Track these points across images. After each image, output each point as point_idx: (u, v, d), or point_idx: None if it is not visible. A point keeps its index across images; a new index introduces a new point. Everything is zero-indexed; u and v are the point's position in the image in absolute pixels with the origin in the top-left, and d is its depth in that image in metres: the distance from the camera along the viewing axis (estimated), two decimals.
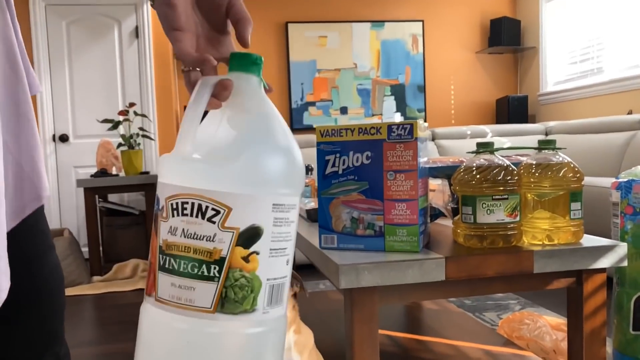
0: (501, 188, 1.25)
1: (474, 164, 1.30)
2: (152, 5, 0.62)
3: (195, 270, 0.51)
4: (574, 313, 1.32)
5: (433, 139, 4.39)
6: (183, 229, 0.51)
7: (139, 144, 3.47)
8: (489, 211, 1.25)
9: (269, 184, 0.52)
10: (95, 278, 3.30)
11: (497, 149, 1.34)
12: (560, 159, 1.31)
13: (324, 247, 1.34)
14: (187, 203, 0.51)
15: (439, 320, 1.94)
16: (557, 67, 4.85)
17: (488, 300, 2.43)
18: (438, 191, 1.62)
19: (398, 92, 5.26)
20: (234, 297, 0.51)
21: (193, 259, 0.51)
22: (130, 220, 3.59)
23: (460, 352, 1.61)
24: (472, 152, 1.34)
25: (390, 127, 1.25)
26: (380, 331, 1.79)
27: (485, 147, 1.31)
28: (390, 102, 5.28)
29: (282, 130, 0.55)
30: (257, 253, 0.52)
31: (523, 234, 1.31)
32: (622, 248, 1.26)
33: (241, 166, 0.51)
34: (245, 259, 0.52)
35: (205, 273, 0.51)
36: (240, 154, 0.51)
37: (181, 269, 0.51)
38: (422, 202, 1.28)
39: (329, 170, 1.33)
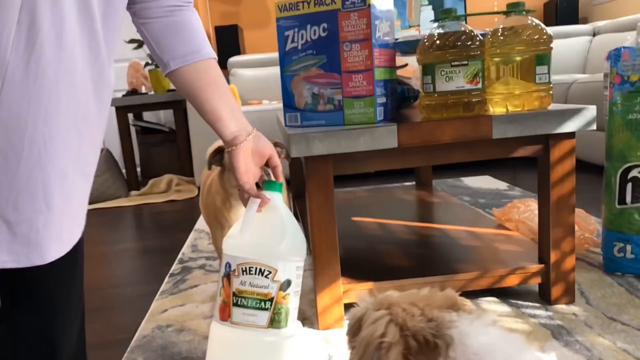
0: (460, 54, 1.21)
1: (436, 32, 1.26)
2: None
3: (257, 305, 0.95)
4: (542, 181, 1.29)
5: None
6: (249, 282, 0.95)
7: None
8: (447, 78, 1.22)
9: (294, 257, 0.98)
10: (133, 192, 3.50)
11: (462, 16, 1.28)
12: (529, 21, 1.24)
13: (288, 125, 1.36)
14: (252, 267, 0.95)
15: (437, 210, 1.94)
16: None
17: (503, 199, 2.39)
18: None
19: (436, 1, 5.01)
20: (278, 319, 0.96)
21: (256, 299, 0.95)
22: (163, 137, 3.73)
23: (445, 233, 1.62)
24: (434, 20, 1.29)
25: None
26: (376, 220, 1.82)
27: (446, 14, 1.26)
28: (428, 12, 5.05)
29: (295, 225, 1.01)
30: (289, 294, 0.96)
31: (488, 103, 1.28)
32: (590, 111, 1.20)
33: (281, 248, 0.96)
34: (284, 297, 0.96)
35: (263, 306, 0.95)
36: (281, 241, 0.96)
37: (248, 304, 0.95)
38: (381, 74, 1.27)
39: (289, 46, 1.32)
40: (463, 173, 3.22)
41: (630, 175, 1.40)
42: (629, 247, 1.43)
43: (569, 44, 3.96)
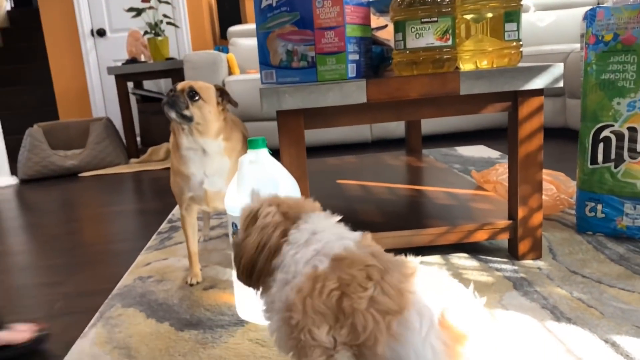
0: (430, 10, 1.23)
1: None
2: None
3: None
4: (511, 139, 1.31)
5: None
6: None
7: (163, 30, 3.57)
8: (417, 35, 1.24)
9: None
10: (132, 160, 3.55)
11: None
12: None
13: (264, 82, 1.39)
14: None
15: (420, 173, 1.97)
16: None
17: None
18: None
19: None
20: None
21: None
22: (160, 106, 3.74)
23: (423, 194, 1.65)
24: None
25: None
26: (359, 182, 1.85)
27: None
28: None
29: (286, 175, 1.09)
30: None
31: (459, 59, 1.29)
32: (557, 68, 1.22)
33: None
34: None
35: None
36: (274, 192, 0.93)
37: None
38: (354, 31, 1.28)
39: (264, 3, 1.34)
40: (459, 143, 3.24)
41: (602, 135, 1.42)
42: (599, 207, 1.45)
43: (572, 14, 3.91)
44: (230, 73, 3.49)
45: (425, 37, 1.24)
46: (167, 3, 3.56)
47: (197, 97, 1.25)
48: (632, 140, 1.37)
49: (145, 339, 1.08)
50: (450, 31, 1.24)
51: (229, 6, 4.33)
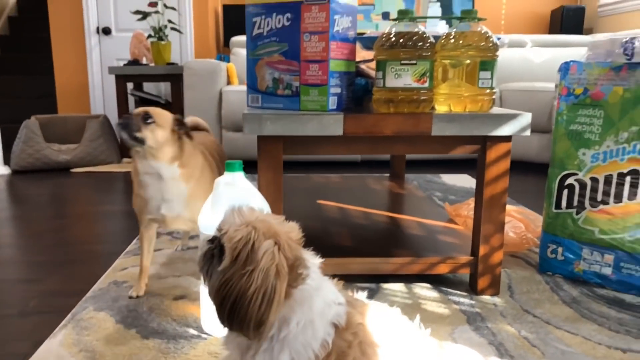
0: (410, 53, 1.30)
1: (393, 31, 1.34)
2: None
3: None
4: (479, 180, 1.38)
5: None
6: None
7: (167, 35, 3.64)
8: (396, 75, 1.31)
9: None
10: (125, 159, 3.61)
11: (417, 18, 1.37)
12: (479, 29, 1.32)
13: (250, 105, 1.45)
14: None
15: (398, 200, 2.03)
16: None
17: (473, 197, 2.47)
18: None
19: None
20: None
21: None
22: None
23: (395, 221, 1.71)
24: (394, 19, 1.37)
25: None
26: (338, 204, 1.92)
27: (404, 15, 1.35)
28: (435, 9, 5.09)
29: (259, 198, 1.14)
30: None
31: (435, 101, 1.36)
32: (525, 117, 1.29)
33: None
34: None
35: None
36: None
37: None
38: (337, 66, 1.35)
39: (255, 32, 1.41)
40: (444, 170, 3.31)
41: (567, 182, 1.49)
42: (560, 250, 1.52)
43: (566, 53, 4.00)
44: (229, 82, 3.56)
45: (404, 77, 1.31)
46: (173, 9, 3.63)
47: (150, 121, 1.27)
48: (594, 190, 1.44)
49: (111, 343, 1.14)
50: (427, 74, 1.31)
51: (234, 16, 4.41)
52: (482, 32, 1.31)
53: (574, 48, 4.06)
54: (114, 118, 4.08)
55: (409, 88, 1.31)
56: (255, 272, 0.67)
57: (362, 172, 3.20)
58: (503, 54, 4.04)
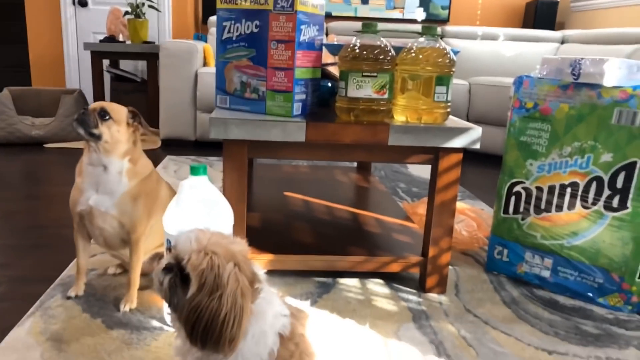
0: (371, 66, 1.36)
1: (358, 43, 1.41)
2: None
3: None
4: (431, 186, 1.47)
5: (442, 37, 4.32)
6: None
7: (144, 13, 3.63)
8: (357, 86, 1.38)
9: (222, 227, 1.17)
10: None
11: (380, 30, 1.43)
12: (437, 45, 1.39)
13: (218, 106, 1.51)
14: None
15: (361, 194, 2.13)
16: None
17: None
18: None
19: None
20: None
21: None
22: (134, 86, 3.83)
23: (355, 217, 1.80)
24: (358, 32, 1.44)
25: None
26: (304, 196, 2.00)
27: (368, 28, 1.41)
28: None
29: (221, 200, 1.21)
30: None
31: (394, 112, 1.44)
32: (476, 131, 1.38)
33: (208, 221, 1.11)
34: None
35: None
36: (207, 216, 1.16)
37: None
38: (303, 73, 1.42)
39: (225, 35, 1.46)
40: None
41: (515, 189, 1.59)
42: (505, 251, 1.63)
43: (537, 49, 4.10)
44: (205, 64, 3.57)
45: (365, 89, 1.38)
46: None
47: (107, 117, 1.29)
48: (538, 198, 1.55)
49: (77, 333, 1.21)
50: (387, 86, 1.38)
51: None
52: (441, 48, 1.38)
53: (544, 44, 4.16)
54: (89, 93, 4.07)
55: (369, 99, 1.38)
56: (224, 296, 0.73)
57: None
58: (475, 46, 4.12)
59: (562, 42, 4.19)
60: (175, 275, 0.77)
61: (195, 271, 0.74)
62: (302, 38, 1.39)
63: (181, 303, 0.76)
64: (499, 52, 3.98)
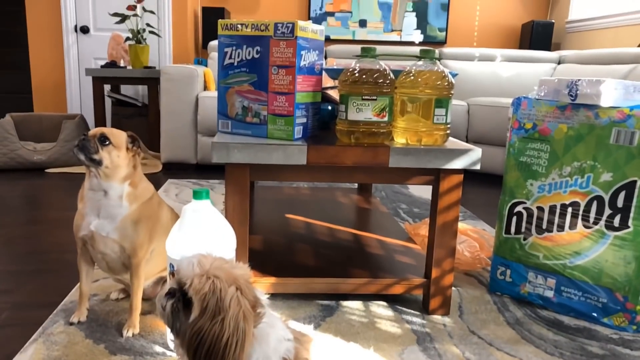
0: (371, 90, 1.38)
1: (357, 67, 1.43)
2: None
3: None
4: (433, 207, 1.48)
5: (440, 59, 4.37)
6: None
7: (145, 39, 3.67)
8: (357, 110, 1.39)
9: (224, 251, 1.15)
10: None
11: (379, 55, 1.45)
12: (436, 68, 1.41)
13: (220, 130, 1.53)
14: None
15: (362, 216, 2.13)
16: None
17: None
18: None
19: (420, 9, 5.16)
20: None
21: None
22: (135, 111, 3.86)
23: (357, 239, 1.81)
24: (357, 56, 1.46)
25: (276, 24, 1.39)
26: (305, 219, 2.01)
27: (367, 52, 1.43)
28: (411, 19, 5.20)
29: (223, 224, 1.22)
30: None
31: (394, 134, 1.45)
32: (476, 153, 1.39)
33: (211, 246, 1.11)
34: None
35: None
36: (210, 240, 1.16)
37: None
38: (303, 97, 1.44)
39: (226, 61, 1.49)
40: None
41: (516, 209, 1.60)
42: (508, 272, 1.63)
43: (533, 69, 4.15)
44: (205, 88, 3.61)
45: (364, 112, 1.39)
46: (152, 12, 3.67)
47: (107, 142, 1.30)
48: (539, 218, 1.55)
49: (80, 359, 1.20)
50: (387, 109, 1.40)
51: (214, 19, 4.45)
52: (439, 71, 1.40)
53: (540, 64, 4.20)
54: (90, 118, 4.10)
55: (369, 122, 1.40)
56: (226, 320, 0.73)
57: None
58: (473, 68, 4.17)
59: (559, 63, 4.23)
60: (178, 300, 0.77)
61: (197, 295, 0.74)
62: (302, 63, 1.41)
63: (183, 328, 0.76)
64: (496, 73, 4.02)
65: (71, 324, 1.38)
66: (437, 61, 1.43)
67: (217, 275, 0.77)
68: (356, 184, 3.02)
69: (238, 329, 0.73)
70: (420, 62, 1.43)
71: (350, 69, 1.42)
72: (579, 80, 1.45)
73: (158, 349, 1.27)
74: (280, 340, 0.81)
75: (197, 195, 1.21)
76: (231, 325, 0.73)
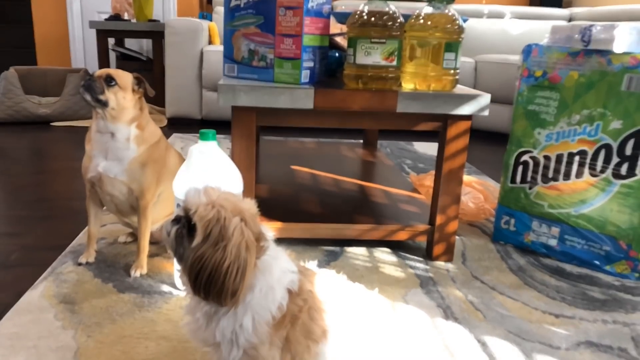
0: (380, 32, 1.36)
1: (366, 10, 1.40)
2: None
3: None
4: (439, 154, 1.48)
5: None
6: None
7: None
8: (366, 53, 1.37)
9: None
10: None
11: None
12: (446, 11, 1.38)
13: (226, 74, 1.51)
14: None
15: (367, 168, 2.13)
16: None
17: None
18: None
19: None
20: None
21: None
22: (140, 65, 3.83)
23: (362, 189, 1.81)
24: None
25: None
26: (310, 170, 2.01)
27: None
28: None
29: (229, 165, 1.21)
30: None
31: (402, 80, 1.44)
32: (485, 98, 1.38)
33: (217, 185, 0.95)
34: None
35: None
36: (217, 180, 1.05)
37: None
38: (311, 40, 1.41)
39: (233, 3, 1.46)
40: (416, 138, 3.40)
41: (522, 159, 1.59)
42: (512, 221, 1.63)
43: (544, 27, 4.05)
44: (210, 42, 3.56)
45: (373, 55, 1.37)
46: None
47: (113, 83, 1.30)
48: (546, 167, 1.55)
49: (89, 296, 1.23)
50: (396, 53, 1.38)
51: None
52: (450, 14, 1.38)
53: (552, 21, 4.11)
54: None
55: (377, 66, 1.38)
56: (228, 247, 0.74)
57: (338, 136, 3.28)
58: (481, 25, 4.09)
59: (570, 20, 4.15)
60: (183, 226, 0.78)
61: (201, 221, 0.75)
62: (310, 5, 1.38)
63: (186, 253, 0.77)
64: (505, 30, 3.94)
65: (80, 264, 1.40)
66: (448, 4, 1.40)
67: (222, 205, 0.77)
68: (361, 139, 3.02)
69: (239, 258, 0.74)
70: (430, 6, 1.40)
71: (359, 11, 1.39)
72: (592, 25, 1.42)
73: (165, 288, 1.29)
74: (285, 271, 0.82)
75: (203, 136, 1.21)
76: (233, 253, 0.73)
